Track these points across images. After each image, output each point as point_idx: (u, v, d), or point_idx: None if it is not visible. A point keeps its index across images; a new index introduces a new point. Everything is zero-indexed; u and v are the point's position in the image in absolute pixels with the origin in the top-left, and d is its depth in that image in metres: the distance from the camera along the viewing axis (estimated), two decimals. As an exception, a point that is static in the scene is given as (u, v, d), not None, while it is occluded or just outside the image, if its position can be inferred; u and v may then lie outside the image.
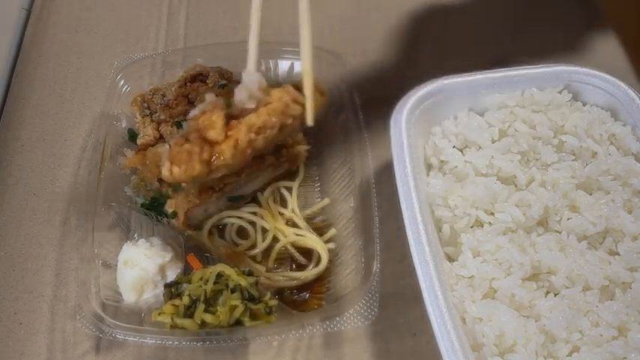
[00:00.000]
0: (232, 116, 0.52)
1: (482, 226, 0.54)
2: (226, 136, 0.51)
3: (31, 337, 0.58)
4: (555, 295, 0.51)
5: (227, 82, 0.67)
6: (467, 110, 0.61)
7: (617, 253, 0.52)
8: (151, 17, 0.82)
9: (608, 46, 0.75)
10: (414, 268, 0.48)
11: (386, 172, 0.67)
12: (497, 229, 0.53)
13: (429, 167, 0.59)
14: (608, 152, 0.58)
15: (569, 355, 0.47)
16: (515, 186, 0.56)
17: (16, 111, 0.74)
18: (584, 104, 0.61)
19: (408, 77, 0.74)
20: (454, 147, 0.59)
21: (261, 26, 0.79)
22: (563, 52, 0.75)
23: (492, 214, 0.54)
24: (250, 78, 0.53)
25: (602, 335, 0.48)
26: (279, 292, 0.58)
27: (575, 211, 0.55)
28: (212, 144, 0.51)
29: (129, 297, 0.56)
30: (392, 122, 0.57)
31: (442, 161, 0.59)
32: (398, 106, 0.58)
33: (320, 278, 0.59)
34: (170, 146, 0.52)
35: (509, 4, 0.81)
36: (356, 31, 0.80)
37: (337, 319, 0.52)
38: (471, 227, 0.54)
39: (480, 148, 0.58)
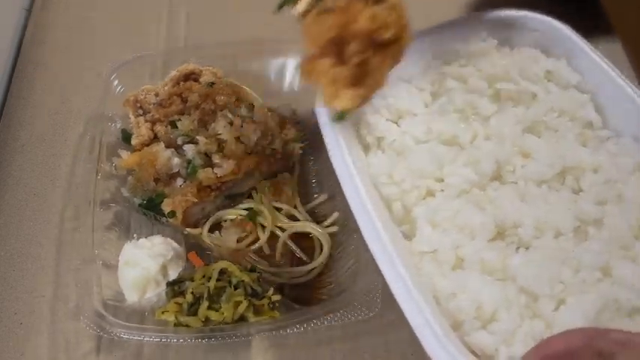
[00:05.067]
0: None
1: (434, 195, 0.51)
2: None
3: (32, 338, 0.57)
4: (527, 249, 0.47)
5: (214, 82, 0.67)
6: (393, 79, 0.55)
7: (582, 190, 0.49)
8: (151, 17, 0.82)
9: (609, 45, 0.74)
10: (372, 254, 0.45)
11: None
12: (451, 194, 0.49)
13: (367, 148, 0.55)
14: (548, 90, 0.55)
15: (556, 309, 0.44)
16: (460, 146, 0.53)
17: (16, 111, 0.74)
18: (512, 48, 0.58)
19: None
20: (387, 120, 0.55)
21: (262, 25, 0.81)
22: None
23: (442, 180, 0.51)
24: None
25: (585, 281, 0.44)
26: (281, 288, 0.58)
27: (527, 157, 0.51)
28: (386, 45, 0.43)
29: (131, 296, 0.56)
30: (317, 106, 0.52)
31: (379, 138, 0.55)
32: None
33: (321, 273, 0.60)
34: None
35: (510, 5, 0.82)
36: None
37: (340, 312, 0.52)
38: (423, 199, 0.51)
39: (414, 115, 0.55)
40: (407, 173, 0.51)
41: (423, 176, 0.51)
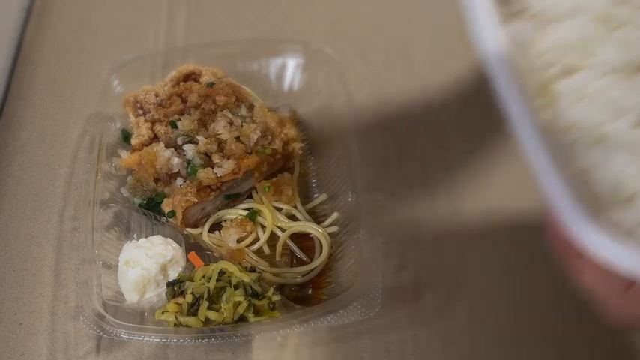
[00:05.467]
0: None
1: (577, 72, 0.46)
2: None
3: (32, 338, 0.57)
4: None
5: (214, 82, 0.67)
6: None
7: None
8: (150, 17, 0.82)
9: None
10: (507, 115, 0.40)
11: (381, 168, 0.67)
12: (597, 73, 0.45)
13: (507, 17, 0.50)
14: None
15: None
16: (610, 28, 0.48)
17: (16, 111, 0.74)
18: None
19: (405, 76, 0.75)
20: None
21: (262, 25, 0.81)
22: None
23: (588, 57, 0.46)
24: None
25: None
26: (281, 288, 0.58)
27: None
28: None
29: (131, 297, 0.56)
30: None
31: (521, 8, 0.50)
32: None
33: (321, 273, 0.60)
34: None
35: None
36: (356, 29, 0.81)
37: (340, 312, 0.52)
38: (565, 75, 0.46)
39: None
40: (549, 46, 0.47)
41: (568, 51, 0.47)
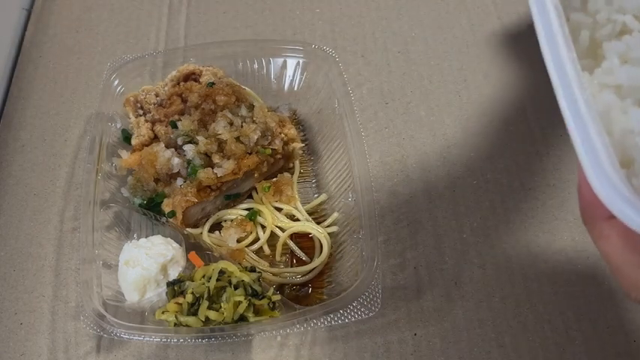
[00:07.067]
0: None
1: (630, 33, 0.45)
2: None
3: (32, 338, 0.58)
4: None
5: (214, 82, 0.67)
6: None
7: None
8: (151, 17, 0.82)
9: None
10: (548, 71, 0.39)
11: (381, 167, 0.67)
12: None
13: None
14: None
15: None
16: None
17: (16, 111, 0.74)
18: None
19: (405, 76, 0.75)
20: None
21: (262, 25, 0.81)
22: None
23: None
24: None
25: None
26: (281, 288, 0.58)
27: None
28: None
29: (131, 297, 0.56)
30: None
31: None
32: None
33: (321, 273, 0.60)
34: None
35: None
36: (356, 29, 0.81)
37: (340, 312, 0.52)
38: (617, 36, 0.45)
39: None
40: (603, 4, 0.46)
41: (622, 11, 0.45)
